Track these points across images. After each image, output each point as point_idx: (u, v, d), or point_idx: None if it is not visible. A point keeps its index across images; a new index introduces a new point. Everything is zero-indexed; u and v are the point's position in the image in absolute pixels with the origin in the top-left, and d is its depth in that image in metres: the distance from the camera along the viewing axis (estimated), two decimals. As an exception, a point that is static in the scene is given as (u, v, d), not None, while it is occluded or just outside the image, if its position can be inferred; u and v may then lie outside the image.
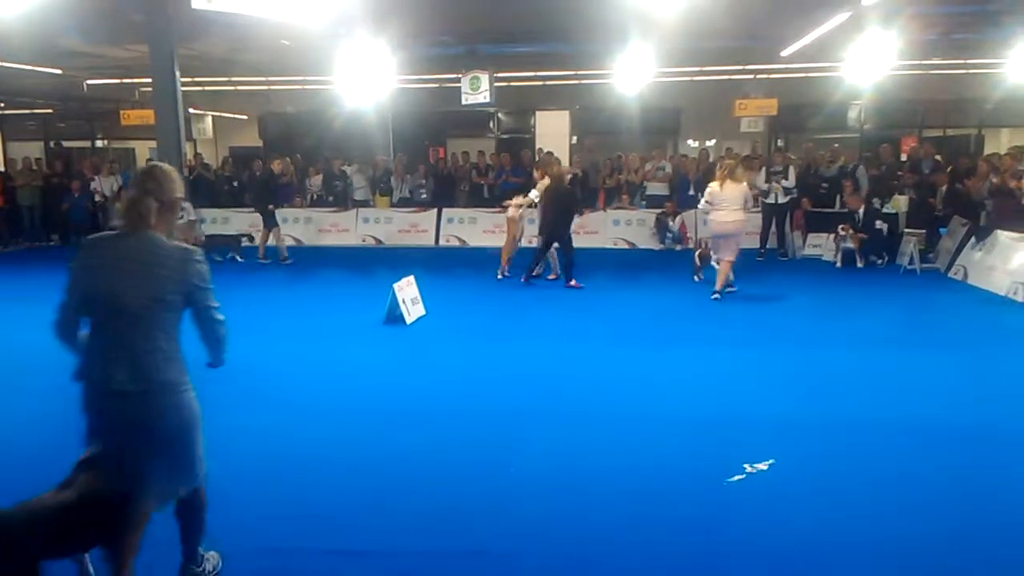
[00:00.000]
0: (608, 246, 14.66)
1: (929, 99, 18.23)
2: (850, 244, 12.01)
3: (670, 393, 5.99)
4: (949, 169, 12.98)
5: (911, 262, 11.58)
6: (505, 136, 20.34)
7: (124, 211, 2.98)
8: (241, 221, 14.84)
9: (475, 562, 3.58)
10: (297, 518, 3.95)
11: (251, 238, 13.26)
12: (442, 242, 15.28)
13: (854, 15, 10.17)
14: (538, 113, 20.05)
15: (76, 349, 3.03)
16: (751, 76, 16.83)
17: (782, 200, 12.81)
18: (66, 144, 21.67)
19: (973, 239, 11.03)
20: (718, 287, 9.41)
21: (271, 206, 12.76)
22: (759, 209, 13.19)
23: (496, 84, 13.52)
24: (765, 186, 12.76)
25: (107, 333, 2.93)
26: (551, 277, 10.85)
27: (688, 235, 14.24)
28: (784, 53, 13.35)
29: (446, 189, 16.09)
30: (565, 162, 15.85)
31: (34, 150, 20.11)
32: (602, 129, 19.29)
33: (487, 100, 13.48)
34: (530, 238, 11.90)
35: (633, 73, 13.25)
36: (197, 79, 16.70)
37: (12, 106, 20.10)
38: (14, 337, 7.78)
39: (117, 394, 2.89)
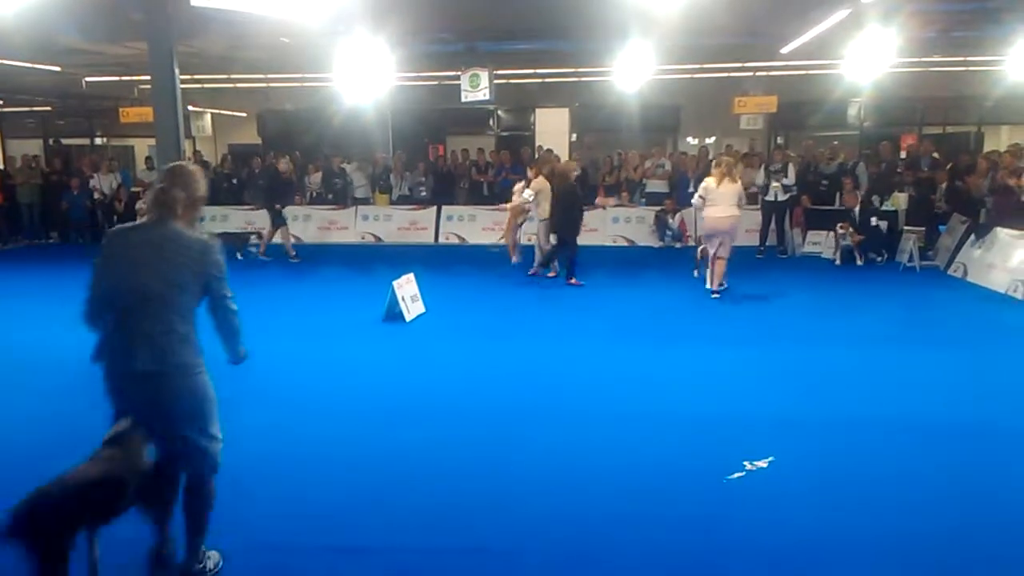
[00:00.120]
0: (607, 243, 14.66)
1: (929, 96, 18.22)
2: (849, 242, 12.01)
3: (670, 391, 5.99)
4: (949, 166, 12.98)
5: (911, 259, 11.58)
6: (505, 133, 20.31)
7: (152, 202, 3.13)
8: (240, 218, 14.83)
9: (475, 559, 3.58)
10: (297, 515, 3.95)
11: (259, 235, 13.24)
12: (441, 240, 15.28)
13: (854, 12, 10.16)
14: (538, 110, 20.01)
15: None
16: (751, 73, 16.81)
17: (782, 198, 12.80)
18: (65, 142, 21.63)
19: (973, 236, 11.03)
20: (715, 286, 9.41)
21: (278, 205, 12.73)
22: (758, 207, 13.20)
23: (496, 81, 13.48)
24: (762, 182, 12.77)
25: (126, 316, 3.04)
26: (551, 275, 10.85)
27: (688, 232, 14.24)
28: (784, 50, 13.33)
29: (446, 187, 16.07)
30: (564, 159, 15.84)
31: (33, 148, 20.09)
32: (602, 126, 19.27)
33: (487, 97, 13.44)
34: (529, 235, 11.91)
35: (633, 70, 13.23)
36: (196, 76, 16.68)
37: (11, 104, 20.07)
38: (14, 335, 7.79)
39: (135, 374, 3.00)
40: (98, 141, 22.05)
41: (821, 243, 13.15)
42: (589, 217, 13.99)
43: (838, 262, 12.14)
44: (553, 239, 10.68)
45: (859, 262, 11.97)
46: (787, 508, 4.02)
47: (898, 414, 5.38)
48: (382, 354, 7.14)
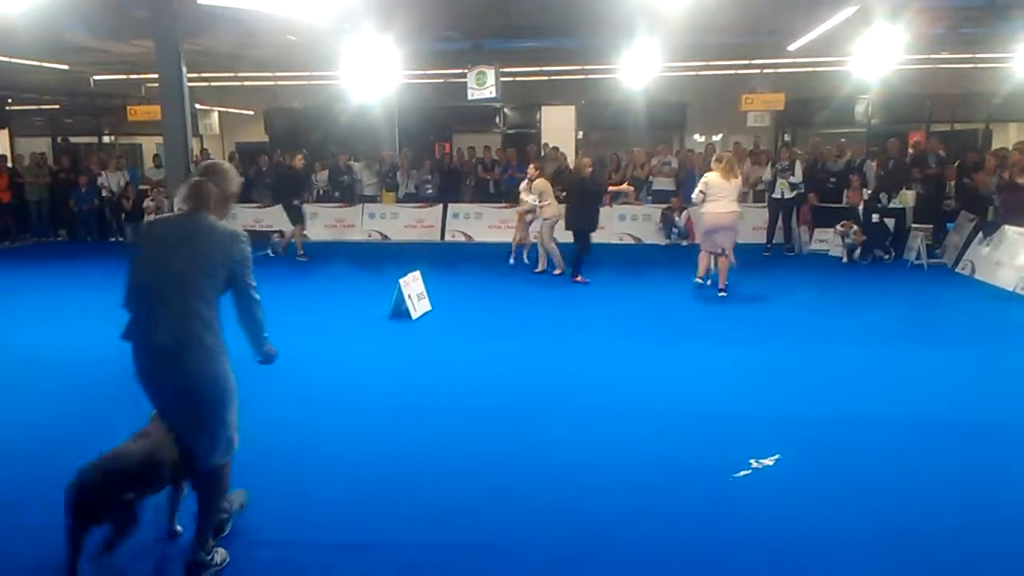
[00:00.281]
0: (614, 241, 14.64)
1: (937, 93, 18.16)
2: (852, 240, 11.97)
3: (674, 388, 6.00)
4: (956, 164, 12.92)
5: (918, 257, 11.54)
6: (511, 131, 20.32)
7: (187, 193, 3.27)
8: (247, 216, 14.87)
9: (480, 555, 3.60)
10: (303, 510, 3.97)
11: (281, 234, 13.24)
12: (448, 237, 15.29)
13: (861, 9, 10.14)
14: (544, 108, 20.01)
15: None
16: (758, 71, 16.79)
17: (789, 195, 12.77)
18: (73, 140, 21.77)
19: (980, 234, 10.99)
20: (722, 284, 9.40)
21: (296, 201, 12.67)
22: (765, 204, 13.17)
23: (502, 79, 13.50)
24: (769, 179, 12.74)
25: (153, 296, 3.16)
26: (556, 272, 10.86)
27: (694, 230, 14.21)
28: (791, 48, 13.30)
29: (452, 184, 16.08)
30: (571, 157, 15.85)
31: (41, 146, 20.21)
32: (608, 124, 19.24)
33: (493, 95, 13.47)
34: (534, 235, 11.90)
35: (639, 68, 13.22)
36: (203, 75, 16.76)
37: (19, 102, 20.16)
38: (23, 333, 7.83)
39: (156, 349, 3.11)
40: (106, 139, 22.15)
41: (828, 240, 13.11)
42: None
43: (845, 260, 12.10)
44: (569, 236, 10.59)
45: (866, 261, 11.91)
46: (790, 506, 4.02)
47: (903, 413, 5.37)
48: (388, 351, 7.16)
